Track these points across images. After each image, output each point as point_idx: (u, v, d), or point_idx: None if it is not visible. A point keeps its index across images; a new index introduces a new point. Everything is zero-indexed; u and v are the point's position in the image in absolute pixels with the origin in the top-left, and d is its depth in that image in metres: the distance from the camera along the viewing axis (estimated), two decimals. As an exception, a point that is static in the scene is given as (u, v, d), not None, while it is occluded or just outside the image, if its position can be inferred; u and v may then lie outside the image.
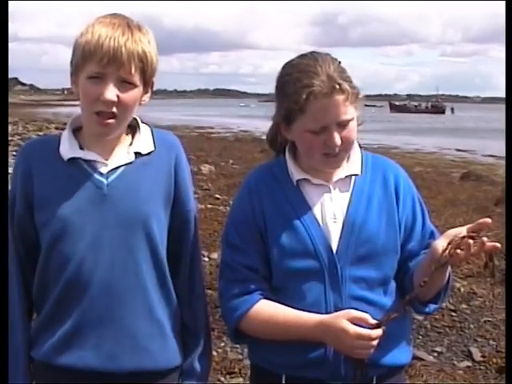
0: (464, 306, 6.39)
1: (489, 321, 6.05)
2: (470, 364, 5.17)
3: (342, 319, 1.99)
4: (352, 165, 2.19)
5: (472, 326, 5.94)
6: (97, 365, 2.05)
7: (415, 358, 5.06)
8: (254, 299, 2.11)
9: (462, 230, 1.95)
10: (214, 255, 7.32)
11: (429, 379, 4.78)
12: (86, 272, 2.04)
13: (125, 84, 2.02)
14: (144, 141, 2.16)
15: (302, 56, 2.13)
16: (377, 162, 2.25)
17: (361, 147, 2.23)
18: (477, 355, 5.29)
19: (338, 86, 2.02)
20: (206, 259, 7.40)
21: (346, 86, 2.03)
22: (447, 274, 2.08)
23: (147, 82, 2.09)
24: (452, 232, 1.98)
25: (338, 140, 2.05)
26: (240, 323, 2.12)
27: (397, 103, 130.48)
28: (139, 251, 2.08)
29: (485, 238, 1.90)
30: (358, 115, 2.13)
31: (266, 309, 2.10)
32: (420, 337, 5.64)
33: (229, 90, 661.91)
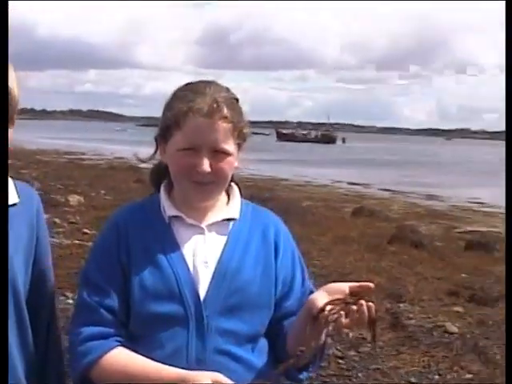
0: (352, 352, 6.45)
1: (378, 368, 6.14)
2: (357, 416, 5.22)
3: (207, 379, 1.91)
4: (231, 209, 2.21)
5: (360, 374, 6.00)
6: None
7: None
8: (110, 345, 2.04)
9: (345, 288, 1.98)
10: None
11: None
12: None
13: None
14: (9, 191, 2.13)
15: (200, 80, 2.17)
16: (258, 212, 2.28)
17: (238, 185, 2.26)
18: (365, 406, 5.37)
19: (216, 107, 2.04)
20: (71, 301, 7.19)
21: (228, 112, 2.06)
22: (323, 337, 2.05)
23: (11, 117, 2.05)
24: (332, 288, 2.00)
25: (206, 166, 2.06)
26: (90, 370, 2.03)
27: (284, 131, 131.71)
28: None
29: (371, 304, 1.93)
30: (240, 157, 2.16)
31: (123, 357, 2.03)
32: (304, 387, 5.64)
33: (104, 111, 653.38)
